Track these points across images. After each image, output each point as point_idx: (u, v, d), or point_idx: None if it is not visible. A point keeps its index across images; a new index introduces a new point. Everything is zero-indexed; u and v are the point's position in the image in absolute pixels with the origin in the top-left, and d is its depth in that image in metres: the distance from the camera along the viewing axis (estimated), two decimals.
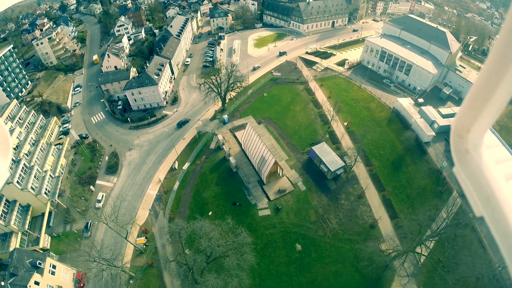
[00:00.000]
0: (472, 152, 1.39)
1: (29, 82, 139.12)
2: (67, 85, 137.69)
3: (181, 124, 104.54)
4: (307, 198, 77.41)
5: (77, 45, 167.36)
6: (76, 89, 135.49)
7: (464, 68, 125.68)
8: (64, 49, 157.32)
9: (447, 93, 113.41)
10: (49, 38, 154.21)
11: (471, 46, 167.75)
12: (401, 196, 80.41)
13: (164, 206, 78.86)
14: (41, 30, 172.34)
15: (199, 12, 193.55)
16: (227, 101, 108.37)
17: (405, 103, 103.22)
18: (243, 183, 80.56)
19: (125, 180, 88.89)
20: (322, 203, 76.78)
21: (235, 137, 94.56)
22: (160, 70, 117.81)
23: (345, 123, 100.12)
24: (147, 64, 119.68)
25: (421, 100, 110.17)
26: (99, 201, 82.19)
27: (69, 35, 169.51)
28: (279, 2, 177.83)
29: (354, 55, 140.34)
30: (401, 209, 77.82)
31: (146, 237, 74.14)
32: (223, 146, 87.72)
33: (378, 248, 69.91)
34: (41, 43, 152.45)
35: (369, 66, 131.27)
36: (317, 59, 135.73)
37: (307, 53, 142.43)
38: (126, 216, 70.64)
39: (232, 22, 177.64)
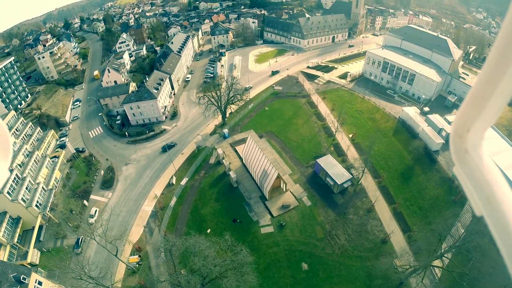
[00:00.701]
0: (472, 152, 1.37)
1: (29, 95, 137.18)
2: (66, 99, 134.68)
3: (167, 148, 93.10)
4: (312, 213, 71.18)
5: (79, 60, 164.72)
6: (75, 103, 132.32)
7: (468, 75, 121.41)
8: (65, 64, 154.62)
9: (452, 100, 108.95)
10: (51, 53, 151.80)
11: (471, 55, 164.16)
12: (413, 208, 74.08)
13: (159, 222, 72.68)
14: (44, 45, 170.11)
15: (200, 31, 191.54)
16: (227, 115, 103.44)
17: (411, 112, 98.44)
18: (244, 199, 74.59)
19: (120, 195, 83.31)
20: (329, 219, 70.50)
21: (236, 151, 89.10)
22: (159, 84, 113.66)
23: (350, 135, 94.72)
24: (147, 79, 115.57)
25: (426, 109, 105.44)
26: (92, 216, 77.03)
27: (71, 50, 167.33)
28: (278, 19, 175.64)
29: (356, 67, 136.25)
30: (414, 221, 71.43)
31: (139, 256, 67.80)
32: (223, 161, 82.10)
33: (392, 264, 63.59)
34: (43, 57, 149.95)
35: (372, 78, 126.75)
36: (318, 73, 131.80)
37: (308, 67, 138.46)
38: (119, 232, 65.18)
39: (233, 39, 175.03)
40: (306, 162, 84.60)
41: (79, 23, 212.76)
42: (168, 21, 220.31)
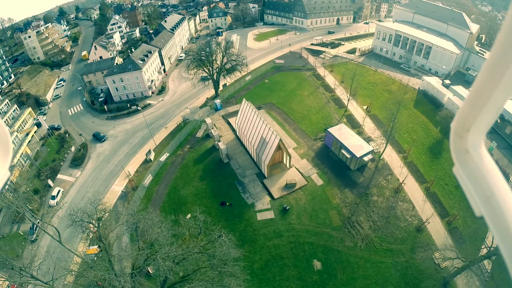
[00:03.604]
0: (472, 152, 1.31)
1: (12, 75, 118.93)
2: (51, 80, 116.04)
3: (97, 137, 74.51)
4: (325, 194, 50.77)
5: (68, 42, 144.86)
6: (59, 83, 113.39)
7: (485, 52, 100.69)
8: (53, 45, 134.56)
9: (474, 75, 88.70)
10: (38, 32, 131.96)
11: (483, 38, 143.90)
12: (448, 188, 53.87)
13: (128, 205, 52.32)
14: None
15: (198, 16, 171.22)
16: (221, 88, 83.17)
17: (434, 82, 78.83)
18: (236, 177, 54.34)
19: (89, 174, 64.22)
20: (347, 201, 50.08)
21: (229, 123, 68.66)
22: (146, 56, 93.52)
23: (365, 106, 74.23)
24: (133, 50, 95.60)
25: (447, 81, 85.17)
26: (53, 198, 59.20)
27: (61, 33, 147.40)
28: (280, 0, 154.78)
29: (364, 44, 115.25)
30: (452, 204, 51.35)
31: (99, 246, 47.59)
32: (212, 131, 61.61)
33: (432, 259, 44.34)
34: (29, 37, 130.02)
35: (383, 54, 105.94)
36: (324, 49, 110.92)
37: (312, 44, 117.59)
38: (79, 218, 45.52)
39: (232, 23, 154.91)
40: (314, 134, 64.17)
41: (74, 13, 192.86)
42: (166, 11, 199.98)
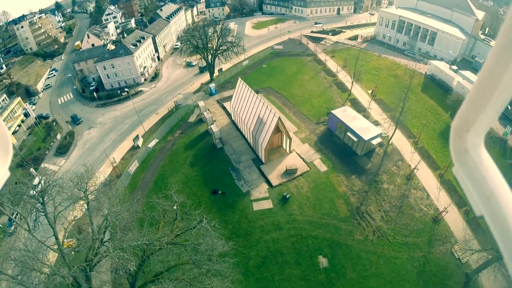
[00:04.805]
0: (472, 152, 1.28)
1: (4, 66, 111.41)
2: (42, 70, 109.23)
3: (74, 119, 71.16)
4: (330, 182, 43.78)
5: (61, 33, 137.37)
6: (51, 73, 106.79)
7: (490, 40, 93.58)
8: (46, 35, 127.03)
9: (481, 62, 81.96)
10: (30, 22, 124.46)
11: (487, 29, 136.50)
12: None
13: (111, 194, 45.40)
14: None
15: (195, 7, 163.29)
16: (216, 73, 76.01)
17: (442, 66, 72.15)
18: (230, 163, 47.25)
19: (74, 162, 57.84)
20: (354, 189, 43.12)
21: (224, 108, 61.53)
22: (139, 41, 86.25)
23: (370, 91, 67.13)
24: (125, 36, 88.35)
25: (454, 67, 78.26)
26: (34, 187, 51.26)
27: (55, 23, 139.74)
28: None
29: (366, 31, 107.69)
30: None
31: (78, 239, 40.74)
32: (204, 114, 54.46)
33: (452, 254, 38.02)
34: (21, 27, 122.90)
35: (385, 40, 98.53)
36: (325, 36, 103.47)
37: (312, 32, 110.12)
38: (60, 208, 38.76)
39: (230, 13, 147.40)
40: (316, 118, 57.07)
41: (71, 7, 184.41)
42: (163, 4, 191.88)
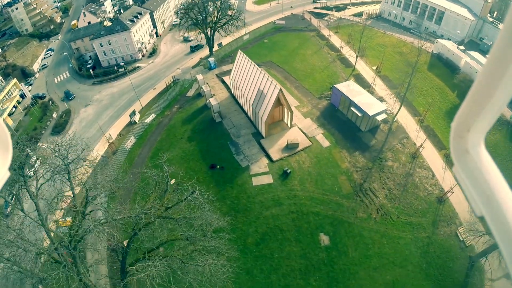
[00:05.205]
0: (472, 152, 1.26)
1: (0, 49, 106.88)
2: (38, 51, 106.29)
3: (67, 95, 70.82)
4: (333, 157, 41.69)
5: (58, 13, 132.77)
6: (47, 53, 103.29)
7: (498, 24, 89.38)
8: (41, 15, 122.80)
9: (489, 44, 78.69)
10: (25, 3, 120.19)
11: (495, 12, 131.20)
12: None
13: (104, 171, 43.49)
14: None
15: None
16: (215, 47, 72.76)
17: (449, 44, 68.88)
18: (229, 138, 45.06)
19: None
20: (358, 166, 41.10)
21: (224, 82, 58.77)
22: (136, 17, 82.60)
23: (374, 67, 64.16)
24: (122, 12, 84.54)
25: (462, 47, 74.90)
26: (31, 167, 50.27)
27: (50, 3, 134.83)
28: None
29: (371, 8, 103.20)
30: None
31: (73, 217, 39.06)
32: (203, 87, 51.87)
33: (457, 236, 36.28)
34: (16, 9, 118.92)
35: (391, 18, 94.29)
36: (328, 12, 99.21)
37: (315, 8, 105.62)
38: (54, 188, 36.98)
39: None
40: (318, 93, 54.46)
41: None
42: None
